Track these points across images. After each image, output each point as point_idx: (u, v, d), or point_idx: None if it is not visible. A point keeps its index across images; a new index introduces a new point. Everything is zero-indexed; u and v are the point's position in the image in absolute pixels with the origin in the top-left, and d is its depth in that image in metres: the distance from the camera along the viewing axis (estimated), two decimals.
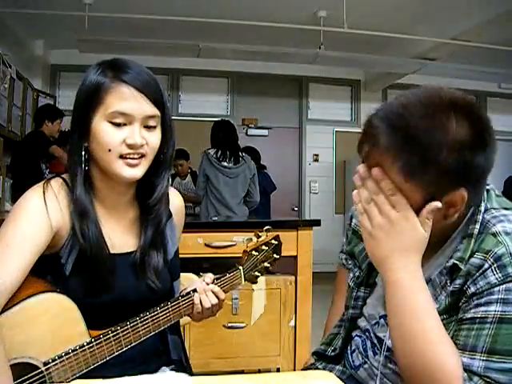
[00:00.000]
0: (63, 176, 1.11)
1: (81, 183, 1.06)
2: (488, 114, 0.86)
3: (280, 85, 6.70)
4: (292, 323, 2.17)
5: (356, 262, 1.13)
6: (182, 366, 1.20)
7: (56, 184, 1.09)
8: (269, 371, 2.77)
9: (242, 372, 2.73)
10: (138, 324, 1.04)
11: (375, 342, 1.02)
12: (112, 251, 1.09)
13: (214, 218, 2.97)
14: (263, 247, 1.26)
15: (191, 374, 1.22)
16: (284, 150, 6.78)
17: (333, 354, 1.15)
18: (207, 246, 2.09)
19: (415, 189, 0.81)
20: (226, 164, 3.95)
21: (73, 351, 0.97)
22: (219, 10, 4.82)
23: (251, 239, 1.28)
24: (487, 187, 0.92)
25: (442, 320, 0.85)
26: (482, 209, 0.88)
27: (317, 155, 6.85)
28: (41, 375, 0.94)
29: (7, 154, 4.33)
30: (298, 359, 2.22)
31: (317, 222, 2.25)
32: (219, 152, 3.95)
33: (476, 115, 0.82)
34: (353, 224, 1.19)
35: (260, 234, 1.29)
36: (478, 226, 0.86)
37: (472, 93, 0.87)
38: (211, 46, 5.02)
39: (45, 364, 0.95)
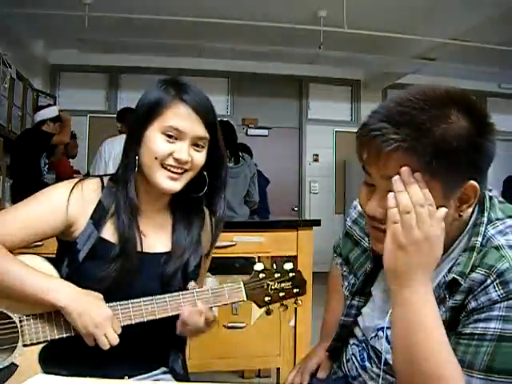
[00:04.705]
0: (102, 176, 1.20)
1: (131, 183, 1.14)
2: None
3: (280, 85, 6.70)
4: (292, 323, 2.17)
5: (351, 268, 1.10)
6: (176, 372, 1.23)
7: (89, 181, 1.17)
8: (269, 371, 2.77)
9: (242, 372, 2.73)
10: (117, 306, 1.07)
11: (371, 354, 1.01)
12: (144, 250, 1.16)
13: None
14: (275, 275, 1.23)
15: (187, 377, 1.24)
16: (284, 149, 6.78)
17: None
18: None
19: (435, 187, 0.77)
20: None
21: (47, 313, 1.05)
22: (219, 10, 4.82)
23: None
24: (490, 194, 0.89)
25: None
26: (485, 220, 0.84)
27: (317, 155, 6.84)
28: (13, 324, 1.03)
29: (7, 154, 4.33)
30: (298, 359, 2.22)
31: (317, 222, 2.25)
32: None
33: (473, 103, 0.81)
34: (347, 226, 1.15)
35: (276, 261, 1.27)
36: (480, 239, 0.82)
37: (472, 93, 0.86)
38: (211, 45, 5.02)
39: (19, 318, 1.04)
